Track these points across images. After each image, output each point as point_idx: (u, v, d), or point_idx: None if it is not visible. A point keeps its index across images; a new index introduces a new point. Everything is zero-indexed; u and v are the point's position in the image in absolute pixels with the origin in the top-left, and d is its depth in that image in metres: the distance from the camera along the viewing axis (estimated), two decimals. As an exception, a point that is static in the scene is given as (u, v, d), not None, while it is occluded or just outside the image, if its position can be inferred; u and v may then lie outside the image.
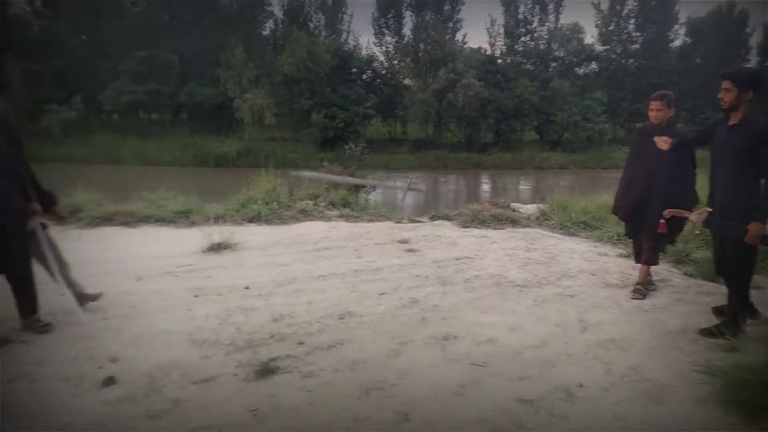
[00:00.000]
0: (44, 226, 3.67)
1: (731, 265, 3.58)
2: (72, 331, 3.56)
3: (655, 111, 4.35)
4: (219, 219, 6.83)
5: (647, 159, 4.36)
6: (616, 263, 5.45)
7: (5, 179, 3.38)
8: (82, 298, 3.84)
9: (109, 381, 2.92)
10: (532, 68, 38.72)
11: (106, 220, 6.61)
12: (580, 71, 40.71)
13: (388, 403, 2.79)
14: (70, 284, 3.77)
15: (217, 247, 5.58)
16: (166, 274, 4.84)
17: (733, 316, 3.62)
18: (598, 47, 40.07)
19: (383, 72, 39.29)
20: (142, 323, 3.74)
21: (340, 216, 7.66)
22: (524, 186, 29.19)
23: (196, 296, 4.29)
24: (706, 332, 3.65)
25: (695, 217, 3.65)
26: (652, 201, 4.30)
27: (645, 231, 4.43)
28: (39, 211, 3.57)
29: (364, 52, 39.87)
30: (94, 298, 3.92)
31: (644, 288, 4.48)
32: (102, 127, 34.91)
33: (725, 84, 3.51)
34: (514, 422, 2.63)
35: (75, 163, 27.62)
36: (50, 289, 3.74)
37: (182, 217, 6.88)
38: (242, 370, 3.11)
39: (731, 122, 3.55)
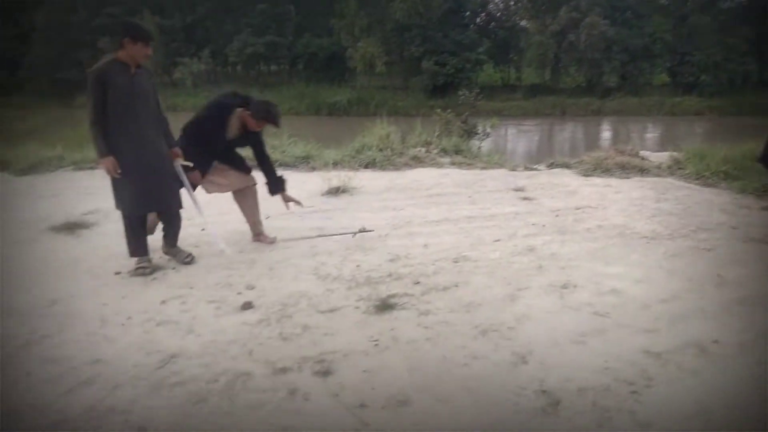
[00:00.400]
0: (185, 168, 4.02)
1: None
2: (212, 262, 3.95)
3: None
4: (336, 164, 7.07)
5: None
6: (760, 216, 4.91)
7: (158, 125, 3.73)
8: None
9: (247, 305, 3.23)
10: (667, 3, 34.71)
11: (236, 163, 7.11)
12: (724, 5, 35.75)
13: (505, 345, 2.81)
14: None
15: (335, 191, 5.81)
16: (291, 214, 5.12)
17: None
18: (748, -23, 34.77)
19: (498, 14, 37.42)
20: (273, 256, 4.05)
21: (453, 163, 7.58)
22: (651, 134, 26.89)
23: (318, 235, 4.53)
24: None
25: None
26: None
27: None
28: (180, 154, 3.92)
29: (478, -6, 38.09)
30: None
31: None
32: (227, 79, 37.15)
33: None
34: (640, 373, 2.54)
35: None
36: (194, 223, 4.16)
37: (303, 162, 7.22)
38: (363, 303, 3.28)
39: None
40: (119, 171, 3.51)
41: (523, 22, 35.99)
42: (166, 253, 3.98)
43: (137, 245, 3.76)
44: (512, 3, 37.10)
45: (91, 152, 7.46)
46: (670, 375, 2.55)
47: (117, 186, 3.62)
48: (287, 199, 4.49)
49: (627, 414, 2.28)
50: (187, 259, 3.92)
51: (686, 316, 3.11)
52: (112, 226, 4.73)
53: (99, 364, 2.63)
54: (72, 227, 4.65)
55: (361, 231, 4.49)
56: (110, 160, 3.47)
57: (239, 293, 3.43)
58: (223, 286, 3.54)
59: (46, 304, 3.28)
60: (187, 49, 35.19)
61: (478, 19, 36.39)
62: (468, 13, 35.38)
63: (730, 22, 33.42)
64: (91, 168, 7.07)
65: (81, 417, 2.22)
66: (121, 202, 3.68)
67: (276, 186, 4.44)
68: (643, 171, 6.63)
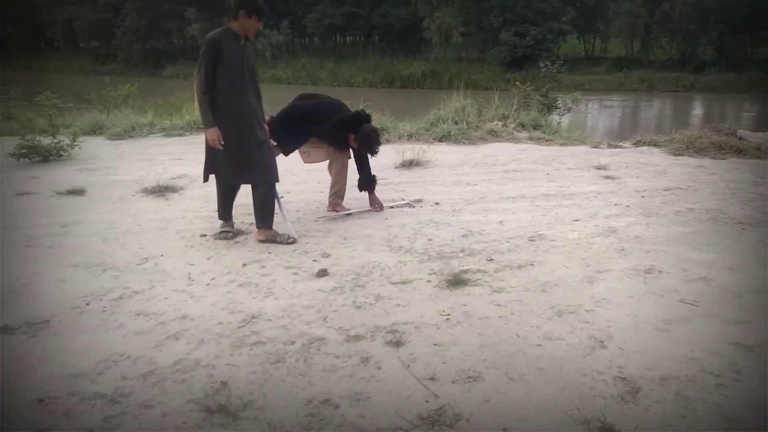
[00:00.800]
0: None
1: None
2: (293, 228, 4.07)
3: None
4: (411, 137, 7.04)
5: None
6: None
7: (259, 98, 3.76)
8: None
9: (323, 273, 3.32)
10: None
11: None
12: None
13: (582, 328, 2.73)
14: None
15: (409, 164, 5.80)
16: (364, 185, 5.20)
17: None
18: None
19: (585, -19, 35.29)
20: (347, 226, 4.13)
21: (530, 138, 7.36)
22: (749, 113, 24.74)
23: (391, 207, 4.56)
24: None
25: None
26: None
27: None
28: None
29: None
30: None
31: None
32: (305, 50, 37.69)
33: None
34: (728, 366, 2.39)
35: (282, 84, 30.52)
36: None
37: (377, 134, 7.23)
38: (435, 277, 3.28)
39: None
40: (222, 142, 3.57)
41: (612, -10, 33.76)
42: (261, 240, 3.81)
43: (224, 210, 3.91)
44: (601, -31, 34.86)
45: (179, 120, 7.87)
46: (762, 370, 2.39)
47: (214, 153, 3.69)
48: (373, 201, 4.51)
49: (712, 407, 2.16)
50: (290, 240, 3.81)
51: (784, 308, 2.88)
52: (198, 191, 5.00)
53: (186, 320, 2.81)
54: (162, 190, 4.94)
55: (407, 203, 4.51)
56: (215, 131, 3.53)
57: (315, 260, 3.53)
58: (300, 253, 3.65)
59: (139, 261, 3.53)
60: (268, 20, 35.89)
61: (563, -13, 34.48)
62: (552, -19, 33.60)
63: None
64: (180, 135, 7.46)
65: (168, 369, 2.38)
66: (215, 168, 3.78)
67: (366, 184, 4.47)
68: (740, 152, 6.14)
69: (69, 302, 2.98)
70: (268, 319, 2.81)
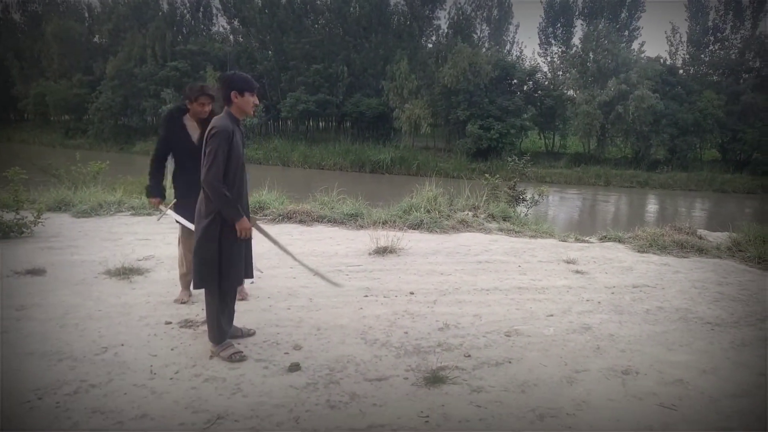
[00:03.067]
0: None
1: None
2: (260, 318, 3.93)
3: None
4: (384, 223, 7.09)
5: None
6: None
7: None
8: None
9: (295, 367, 3.17)
10: (720, 80, 34.51)
11: (287, 217, 7.25)
12: (780, 83, 35.26)
13: (565, 433, 2.64)
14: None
15: (383, 251, 5.79)
16: (338, 271, 5.14)
17: None
18: (804, 57, 34.38)
19: (545, 83, 37.97)
20: (320, 315, 4.01)
21: (500, 229, 7.50)
22: (700, 210, 26.11)
23: (366, 296, 4.48)
24: None
25: None
26: None
27: None
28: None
29: (527, 63, 39.02)
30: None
31: None
32: (278, 133, 38.62)
33: None
34: (716, 480, 2.33)
35: (254, 164, 30.85)
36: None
37: (351, 220, 7.28)
38: (412, 374, 3.17)
39: None
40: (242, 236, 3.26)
41: (570, 92, 36.30)
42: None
43: (230, 324, 3.44)
44: (560, 73, 37.67)
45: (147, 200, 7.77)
46: (750, 484, 2.33)
47: (230, 253, 3.25)
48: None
49: None
50: (250, 332, 3.64)
51: (760, 414, 2.87)
52: (165, 274, 4.83)
53: (145, 420, 2.60)
54: (127, 272, 4.75)
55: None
56: (246, 221, 3.23)
57: (286, 353, 3.38)
58: (271, 345, 3.50)
59: (98, 350, 3.31)
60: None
61: (525, 87, 36.93)
62: (515, 81, 36.02)
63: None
64: (149, 214, 7.32)
65: (126, 475, 2.17)
66: (229, 269, 3.27)
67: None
68: (701, 251, 6.37)
69: (20, 395, 2.73)
70: (236, 420, 2.62)
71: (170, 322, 3.77)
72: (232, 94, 3.21)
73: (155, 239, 6.08)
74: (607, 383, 3.17)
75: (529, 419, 2.76)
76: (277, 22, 39.07)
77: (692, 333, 3.97)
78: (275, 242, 3.67)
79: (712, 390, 3.13)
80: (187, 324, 3.74)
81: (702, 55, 36.26)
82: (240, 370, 3.12)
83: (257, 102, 3.34)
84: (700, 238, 6.85)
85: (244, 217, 3.22)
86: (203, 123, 4.03)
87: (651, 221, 19.19)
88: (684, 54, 36.86)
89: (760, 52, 34.20)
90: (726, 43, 35.72)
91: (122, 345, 3.40)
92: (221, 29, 45.67)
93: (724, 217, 18.82)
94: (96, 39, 47.01)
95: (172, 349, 3.37)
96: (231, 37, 44.39)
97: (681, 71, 35.41)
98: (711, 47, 36.18)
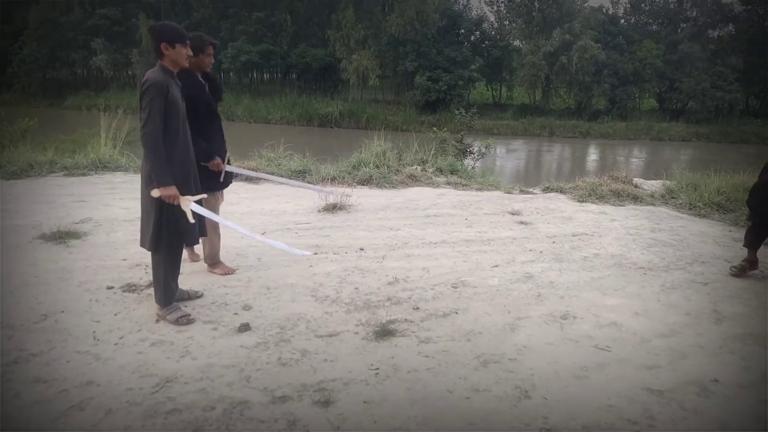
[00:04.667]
0: None
1: None
2: (207, 279, 3.87)
3: None
4: (333, 180, 7.04)
5: None
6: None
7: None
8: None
9: (245, 327, 3.16)
10: (659, 29, 35.44)
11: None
12: (714, 34, 36.68)
13: (507, 378, 2.78)
14: None
15: (332, 208, 5.77)
16: (287, 230, 5.10)
17: None
18: (738, 7, 35.73)
19: (492, 33, 37.90)
20: (269, 275, 3.98)
21: (448, 183, 7.60)
22: (638, 158, 27.29)
23: (316, 253, 4.48)
24: None
25: None
26: None
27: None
28: None
29: (474, 13, 38.70)
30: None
31: None
32: (219, 85, 37.01)
33: None
34: (642, 412, 2.52)
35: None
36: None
37: (299, 177, 7.17)
38: (362, 329, 3.23)
39: None
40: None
41: (516, 42, 36.44)
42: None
43: (176, 285, 3.36)
44: (506, 23, 37.64)
45: (83, 158, 7.39)
46: (673, 414, 2.54)
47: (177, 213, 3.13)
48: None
49: (632, 455, 2.25)
50: (198, 294, 3.58)
51: (686, 353, 3.11)
52: (104, 237, 4.66)
53: (91, 387, 2.55)
54: (64, 236, 4.54)
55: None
56: (172, 189, 3.06)
57: (236, 313, 3.36)
58: (219, 306, 3.46)
59: (37, 318, 3.19)
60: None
61: (472, 37, 36.80)
62: (462, 31, 35.79)
63: (719, 51, 34.26)
64: (83, 174, 6.97)
65: (72, 444, 2.14)
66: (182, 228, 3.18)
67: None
68: (636, 199, 6.69)
69: (-49, 370, 2.62)
70: (185, 383, 2.61)
71: (112, 287, 3.66)
72: (162, 45, 3.04)
73: (92, 200, 5.81)
74: (547, 328, 3.34)
75: (474, 366, 2.88)
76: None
77: (626, 278, 4.21)
78: (220, 220, 3.52)
79: (644, 331, 3.35)
80: (130, 288, 3.64)
81: (642, 5, 36.98)
82: (188, 333, 3.08)
83: (190, 53, 3.16)
84: (636, 186, 7.18)
85: (173, 185, 3.00)
86: (207, 78, 3.84)
87: (591, 170, 19.91)
88: (625, 3, 37.51)
89: (696, 1, 35.21)
90: (665, -6, 36.54)
91: (62, 312, 3.28)
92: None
93: (660, 164, 19.72)
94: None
95: (115, 315, 3.29)
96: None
97: (622, 21, 36.09)
98: (651, -4, 36.95)
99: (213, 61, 3.86)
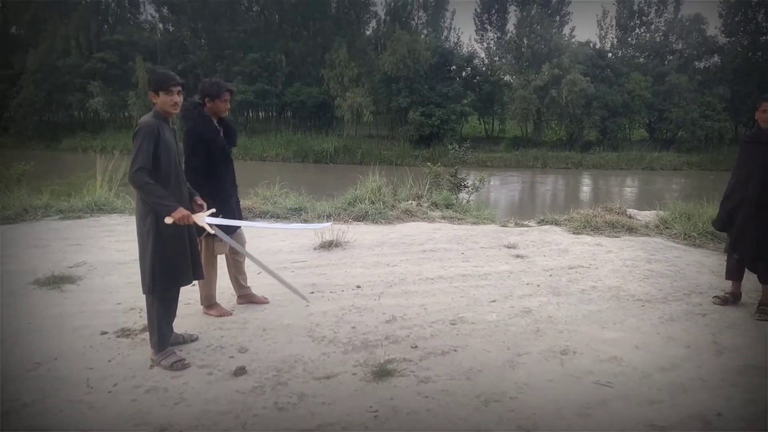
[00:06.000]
0: None
1: None
2: (201, 321, 3.83)
3: (762, 113, 3.94)
4: (329, 217, 7.05)
5: (746, 167, 4.07)
6: (751, 280, 4.91)
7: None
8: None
9: (241, 371, 3.11)
10: (646, 62, 36.30)
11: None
12: (700, 65, 37.58)
13: (509, 417, 2.73)
14: None
15: (328, 245, 5.77)
16: (283, 269, 5.07)
17: None
18: (722, 39, 36.77)
19: (483, 69, 38.66)
20: (265, 317, 3.95)
21: (443, 217, 7.63)
22: (630, 188, 27.47)
23: (312, 293, 4.45)
24: None
25: None
26: (743, 212, 4.04)
27: (739, 245, 4.08)
28: None
29: (464, 49, 39.60)
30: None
31: None
32: (215, 124, 37.38)
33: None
34: (647, 451, 2.48)
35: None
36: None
37: (295, 214, 7.19)
38: (360, 369, 3.19)
39: None
40: None
41: (507, 77, 37.17)
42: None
43: (170, 329, 3.36)
44: (496, 59, 38.44)
45: (78, 201, 7.40)
46: (678, 452, 2.49)
47: (171, 253, 3.16)
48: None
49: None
50: (193, 338, 3.55)
51: (687, 386, 3.07)
52: (99, 281, 4.63)
53: (84, 437, 2.49)
54: (58, 281, 4.51)
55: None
56: (182, 209, 3.07)
57: (231, 357, 3.32)
58: (215, 349, 3.42)
59: (29, 366, 3.14)
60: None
61: (463, 73, 37.49)
62: (454, 67, 36.47)
63: (706, 82, 35.04)
64: (78, 217, 6.97)
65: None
66: (174, 270, 3.20)
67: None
68: (631, 230, 6.71)
69: (-62, 425, 2.56)
70: (180, 431, 2.55)
71: (106, 332, 3.62)
72: (150, 94, 3.15)
73: (86, 244, 5.79)
74: (547, 364, 3.31)
75: (475, 406, 2.83)
76: (208, 10, 37.71)
77: (624, 310, 4.19)
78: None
79: (644, 365, 3.31)
80: (124, 333, 3.60)
81: (629, 39, 37.97)
82: (183, 379, 3.03)
83: (176, 100, 3.15)
84: (630, 217, 7.22)
85: (178, 206, 3.02)
86: (222, 123, 3.87)
87: (585, 201, 20.02)
88: (612, 38, 38.52)
89: (682, 34, 36.18)
90: (651, 27, 37.56)
91: (56, 359, 3.24)
92: (149, 17, 43.67)
93: (653, 194, 19.87)
94: (13, 30, 43.86)
95: (109, 361, 3.24)
96: (160, 25, 42.51)
97: (610, 54, 36.95)
98: (637, 30, 37.95)
99: (229, 107, 3.89)
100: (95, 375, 3.06)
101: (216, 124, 3.82)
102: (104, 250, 5.59)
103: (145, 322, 3.47)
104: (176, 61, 36.78)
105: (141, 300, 3.64)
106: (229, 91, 3.86)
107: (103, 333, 3.61)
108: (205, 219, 3.19)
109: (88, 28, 38.08)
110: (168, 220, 2.99)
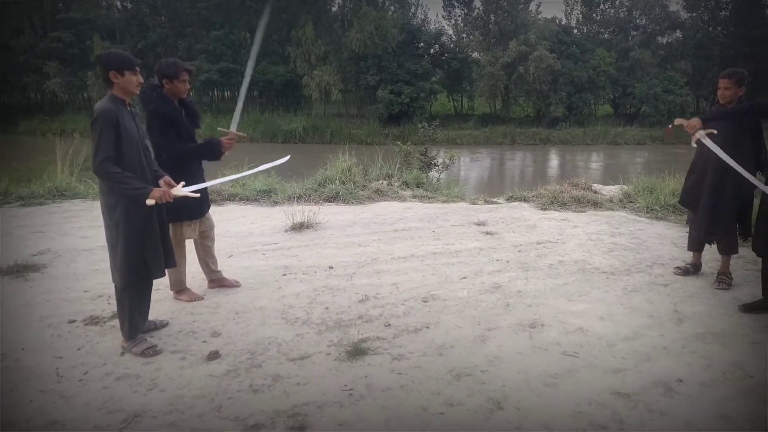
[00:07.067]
0: None
1: None
2: (173, 306, 3.80)
3: (723, 89, 4.07)
4: (299, 198, 7.01)
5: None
6: (711, 251, 5.11)
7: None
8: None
9: (214, 355, 3.11)
10: (610, 38, 36.75)
11: (195, 198, 6.95)
12: (663, 40, 38.28)
13: (480, 390, 2.81)
14: None
15: (299, 227, 5.75)
16: (254, 252, 5.05)
17: None
18: (684, 14, 37.52)
19: (451, 46, 38.53)
20: (238, 300, 3.93)
21: (414, 196, 7.67)
22: (596, 162, 28.02)
23: (284, 275, 4.45)
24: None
25: None
26: (706, 186, 4.16)
27: (701, 217, 4.25)
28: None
29: (432, 26, 39.34)
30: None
31: (728, 277, 4.26)
32: (179, 105, 36.41)
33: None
34: (611, 417, 2.59)
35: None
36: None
37: (265, 196, 7.12)
38: (334, 349, 3.22)
39: None
40: None
41: (475, 54, 37.16)
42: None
43: (143, 319, 3.32)
44: (464, 36, 38.35)
45: (39, 187, 7.17)
46: (641, 417, 2.61)
47: (143, 244, 3.10)
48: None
49: (603, 460, 2.31)
50: (163, 323, 3.51)
51: (650, 354, 3.20)
52: (64, 269, 4.53)
53: (56, 426, 2.47)
54: (22, 270, 4.39)
55: None
56: (158, 189, 3.04)
57: (204, 341, 3.31)
58: (187, 334, 3.40)
59: (-5, 358, 3.07)
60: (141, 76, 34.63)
61: (431, 50, 37.28)
62: (422, 45, 36.23)
63: (669, 57, 35.77)
64: (40, 204, 6.77)
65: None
66: (145, 261, 3.14)
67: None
68: (596, 205, 6.88)
69: None
70: (154, 417, 2.55)
71: (74, 321, 3.56)
72: (111, 74, 2.99)
73: (50, 231, 5.64)
74: (516, 338, 3.40)
75: (447, 380, 2.90)
76: (169, -15, 36.46)
77: (590, 283, 4.32)
78: (208, 185, 3.60)
79: (609, 335, 3.44)
80: (92, 321, 3.55)
81: (594, 15, 38.31)
82: (155, 365, 3.01)
83: (140, 80, 3.09)
84: (595, 192, 7.39)
85: (151, 187, 2.98)
86: (183, 104, 3.77)
87: (553, 177, 20.35)
88: (578, 14, 38.80)
89: (645, 9, 36.71)
90: (615, 2, 37.94)
91: (23, 349, 3.17)
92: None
93: (618, 168, 20.33)
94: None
95: (78, 349, 3.20)
96: (118, 2, 40.89)
97: (575, 31, 37.25)
98: (602, 6, 38.30)
99: (189, 87, 3.79)
100: (65, 364, 3.02)
101: (177, 106, 3.73)
102: (68, 236, 5.45)
103: (114, 309, 3.43)
104: (136, 39, 35.53)
105: (109, 287, 3.60)
106: (188, 71, 3.75)
107: (71, 321, 3.55)
108: (182, 190, 3.13)
109: (41, 5, 36.32)
110: (150, 202, 2.93)
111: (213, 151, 3.77)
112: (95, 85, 32.73)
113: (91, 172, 3.16)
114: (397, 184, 8.08)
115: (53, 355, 3.12)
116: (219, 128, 3.88)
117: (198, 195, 3.26)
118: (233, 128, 3.83)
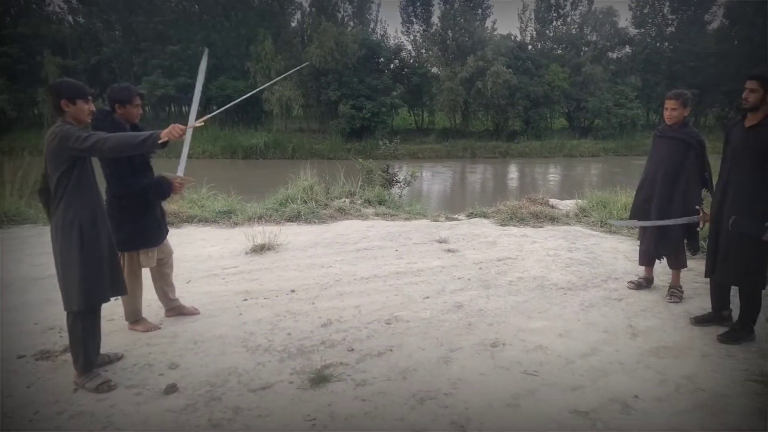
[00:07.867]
0: None
1: (747, 267, 3.53)
2: (128, 338, 3.69)
3: (670, 110, 4.31)
4: (260, 218, 6.93)
5: (654, 160, 4.41)
6: (662, 264, 5.33)
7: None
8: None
9: (171, 388, 3.02)
10: (563, 53, 37.99)
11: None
12: (613, 56, 39.88)
13: (443, 414, 2.82)
14: None
15: (260, 249, 5.68)
16: (214, 276, 4.96)
17: (747, 316, 3.68)
18: (632, 31, 39.28)
19: (411, 61, 39.03)
20: (196, 328, 3.84)
21: (377, 214, 7.69)
22: (554, 175, 28.76)
23: (245, 300, 4.39)
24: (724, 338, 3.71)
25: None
26: (654, 205, 4.34)
27: (651, 234, 4.44)
28: None
29: (391, 42, 39.76)
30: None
31: (679, 290, 4.44)
32: (135, 121, 35.53)
33: (750, 84, 3.43)
34: (571, 436, 2.64)
35: (111, 157, 28.26)
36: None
37: (225, 218, 7.01)
38: (297, 377, 3.19)
39: (748, 124, 3.53)
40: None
41: (434, 69, 37.75)
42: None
43: (97, 349, 3.20)
44: (423, 51, 38.92)
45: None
46: (598, 434, 2.67)
47: (96, 263, 2.99)
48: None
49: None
50: (118, 356, 3.40)
51: (606, 370, 3.29)
52: (15, 299, 4.34)
53: (2, 474, 2.35)
54: (-36, 304, 4.18)
55: None
56: (168, 130, 2.98)
57: (161, 374, 3.21)
58: (143, 367, 3.30)
59: (-65, 401, 2.91)
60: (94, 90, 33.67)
61: (391, 65, 37.69)
62: (382, 60, 36.58)
63: (619, 71, 37.28)
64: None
65: None
66: (100, 282, 3.05)
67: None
68: (553, 219, 7.06)
69: None
70: (110, 457, 2.46)
71: (23, 356, 3.40)
72: (63, 102, 2.92)
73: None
74: (479, 358, 3.44)
75: (411, 405, 2.91)
76: (122, 0, 35.69)
77: (548, 299, 4.42)
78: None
79: (567, 352, 3.52)
80: (43, 355, 3.40)
81: (547, 31, 39.58)
82: (110, 401, 2.91)
83: (92, 109, 3.04)
84: (552, 207, 7.59)
85: (160, 131, 2.93)
86: (135, 129, 3.67)
87: (512, 190, 20.79)
88: (532, 30, 40.01)
89: (596, 26, 38.19)
90: (567, 19, 39.35)
91: (-34, 390, 3.02)
92: (57, 9, 40.74)
93: (573, 181, 20.94)
94: None
95: (28, 387, 3.05)
96: (70, 17, 39.78)
97: (530, 47, 38.35)
98: (555, 23, 39.64)
99: (141, 111, 3.76)
100: (14, 403, 2.88)
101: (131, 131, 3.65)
102: (21, 264, 5.23)
103: (66, 342, 3.28)
104: (89, 54, 34.65)
105: (61, 318, 3.47)
106: (140, 95, 3.71)
107: (21, 356, 3.40)
108: (190, 124, 3.25)
109: (-14, 19, 35.04)
110: (165, 138, 2.92)
111: (162, 191, 3.69)
112: (46, 102, 31.62)
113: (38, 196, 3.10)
114: (359, 201, 8.09)
115: (1, 393, 2.98)
116: (163, 173, 3.78)
117: (203, 123, 3.34)
118: (180, 172, 3.75)
